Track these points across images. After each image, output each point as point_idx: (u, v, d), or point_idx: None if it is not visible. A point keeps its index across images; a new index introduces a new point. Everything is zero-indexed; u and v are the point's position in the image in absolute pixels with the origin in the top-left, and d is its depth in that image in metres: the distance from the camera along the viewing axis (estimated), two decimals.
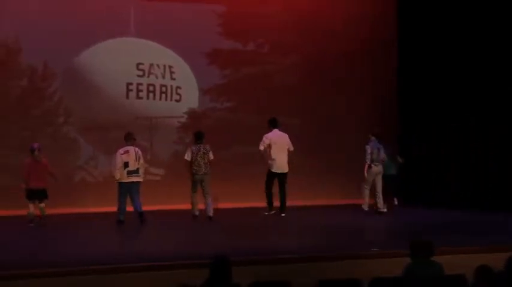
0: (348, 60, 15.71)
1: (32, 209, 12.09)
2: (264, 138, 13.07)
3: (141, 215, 12.19)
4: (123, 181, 12.16)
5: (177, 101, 14.99)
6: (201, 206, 12.94)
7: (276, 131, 13.18)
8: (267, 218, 13.04)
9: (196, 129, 13.23)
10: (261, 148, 13.07)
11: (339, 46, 15.64)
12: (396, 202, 14.65)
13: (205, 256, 7.56)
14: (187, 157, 12.63)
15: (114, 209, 12.52)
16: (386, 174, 13.85)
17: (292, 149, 13.28)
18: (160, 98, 14.84)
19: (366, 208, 13.55)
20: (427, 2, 15.15)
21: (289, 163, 13.27)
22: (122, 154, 12.15)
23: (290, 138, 13.37)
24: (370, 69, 15.89)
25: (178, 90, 14.99)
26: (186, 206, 13.31)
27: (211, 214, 12.80)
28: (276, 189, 13.32)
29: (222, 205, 14.30)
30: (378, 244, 9.40)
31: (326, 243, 10.20)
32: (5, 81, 14.03)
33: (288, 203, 14.23)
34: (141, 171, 12.29)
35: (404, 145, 15.59)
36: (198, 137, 12.69)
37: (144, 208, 14.03)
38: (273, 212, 13.30)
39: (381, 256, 8.76)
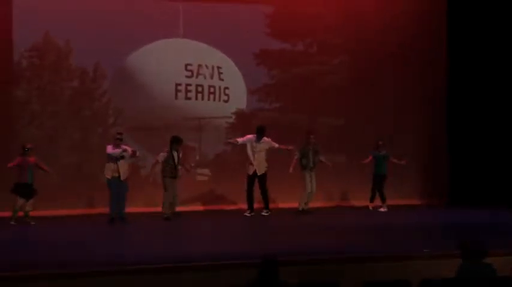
0: (397, 60, 15.57)
1: (19, 206, 12.32)
2: (245, 137, 13.36)
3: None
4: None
5: (225, 101, 15.03)
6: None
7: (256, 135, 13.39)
8: (312, 218, 13.06)
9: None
10: (239, 140, 13.37)
11: (387, 46, 15.50)
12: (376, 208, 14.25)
13: (253, 256, 7.56)
14: (160, 158, 12.92)
15: (161, 209, 12.78)
16: (380, 173, 14.04)
17: (276, 145, 13.36)
18: (208, 99, 14.90)
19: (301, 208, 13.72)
20: None
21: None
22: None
23: (337, 138, 13.29)
24: (419, 69, 15.73)
25: (227, 91, 15.03)
26: (234, 206, 13.40)
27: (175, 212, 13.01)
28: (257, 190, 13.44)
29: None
30: (429, 244, 9.22)
31: (374, 243, 10.07)
32: (57, 83, 14.27)
33: (332, 203, 14.22)
34: None
35: (453, 144, 15.38)
36: (174, 142, 12.91)
37: (192, 208, 14.22)
38: (252, 213, 13.31)
39: (432, 257, 8.59)
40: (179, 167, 12.93)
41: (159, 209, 12.92)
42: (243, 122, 15.00)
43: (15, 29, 13.86)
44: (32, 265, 8.05)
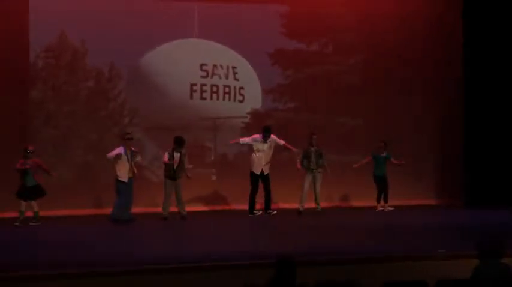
0: (412, 60, 15.47)
1: (24, 207, 12.29)
2: (250, 137, 13.35)
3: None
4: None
5: (240, 101, 15.02)
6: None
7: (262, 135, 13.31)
8: (326, 219, 13.02)
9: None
10: (242, 140, 13.44)
11: (402, 47, 15.41)
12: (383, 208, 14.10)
13: (269, 256, 7.55)
14: (166, 158, 12.78)
15: (176, 209, 12.88)
16: (379, 174, 13.93)
17: (282, 142, 13.33)
18: (223, 99, 14.90)
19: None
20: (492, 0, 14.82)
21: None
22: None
23: (352, 138, 13.66)
24: (434, 69, 15.62)
25: (242, 91, 15.02)
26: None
27: (184, 213, 12.91)
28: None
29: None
30: (445, 245, 9.18)
31: (390, 244, 10.04)
32: (73, 83, 14.33)
33: (350, 203, 14.09)
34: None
35: (469, 144, 15.30)
36: (176, 143, 12.83)
37: (206, 208, 14.20)
38: (259, 212, 13.26)
39: (448, 257, 8.55)
40: (183, 172, 12.84)
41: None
42: (258, 122, 14.92)
43: (31, 30, 13.95)
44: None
